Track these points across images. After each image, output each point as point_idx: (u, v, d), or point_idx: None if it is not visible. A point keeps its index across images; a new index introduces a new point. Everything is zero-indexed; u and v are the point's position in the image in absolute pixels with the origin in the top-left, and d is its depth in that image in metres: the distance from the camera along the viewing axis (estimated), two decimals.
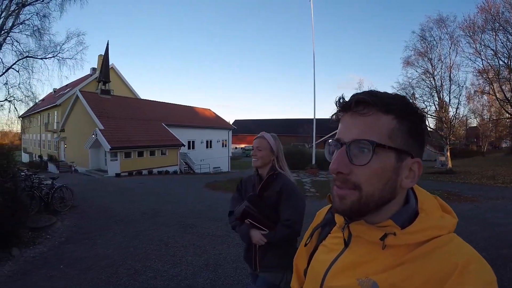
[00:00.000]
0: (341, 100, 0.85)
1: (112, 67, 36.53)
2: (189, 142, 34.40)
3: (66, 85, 38.43)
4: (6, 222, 6.07)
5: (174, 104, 39.53)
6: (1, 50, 18.85)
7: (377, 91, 0.83)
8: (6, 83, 19.92)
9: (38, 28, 19.45)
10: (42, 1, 19.05)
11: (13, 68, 19.69)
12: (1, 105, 20.64)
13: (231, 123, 51.91)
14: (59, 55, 21.08)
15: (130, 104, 31.99)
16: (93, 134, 23.90)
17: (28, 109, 31.54)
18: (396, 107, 0.79)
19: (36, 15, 19.19)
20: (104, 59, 31.17)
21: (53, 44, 20.47)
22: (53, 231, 7.55)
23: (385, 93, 0.83)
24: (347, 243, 0.91)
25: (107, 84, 30.73)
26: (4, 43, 18.65)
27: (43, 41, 20.03)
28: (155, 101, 37.46)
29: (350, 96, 0.84)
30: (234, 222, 2.38)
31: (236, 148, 47.70)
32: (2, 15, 18.46)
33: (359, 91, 0.84)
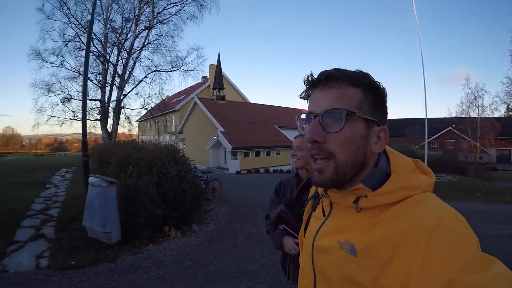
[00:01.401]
0: (310, 78, 0.91)
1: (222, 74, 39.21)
2: None
3: (179, 92, 41.95)
4: (191, 204, 7.82)
5: (283, 107, 40.88)
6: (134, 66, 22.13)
7: (345, 69, 0.89)
8: (137, 93, 22.75)
9: (162, 46, 22.38)
10: (162, 23, 22.04)
11: (144, 81, 22.62)
12: (139, 112, 23.57)
13: None
14: (182, 67, 23.28)
15: (243, 108, 34.20)
16: (215, 136, 26.30)
17: (144, 114, 35.05)
18: (361, 81, 0.86)
19: (160, 35, 22.28)
20: (217, 68, 33.80)
21: (176, 58, 22.87)
22: (214, 214, 9.10)
23: (351, 70, 0.89)
24: (329, 210, 0.99)
25: (221, 91, 33.17)
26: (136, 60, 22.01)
27: (169, 57, 22.77)
28: (265, 104, 39.23)
29: (318, 74, 0.90)
30: (269, 226, 2.30)
31: None
32: (130, 37, 21.76)
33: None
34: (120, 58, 21.61)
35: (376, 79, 0.89)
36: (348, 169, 0.85)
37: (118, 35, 21.30)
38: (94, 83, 21.12)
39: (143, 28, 21.73)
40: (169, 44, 22.37)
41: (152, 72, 22.47)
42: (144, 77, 22.42)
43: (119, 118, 21.71)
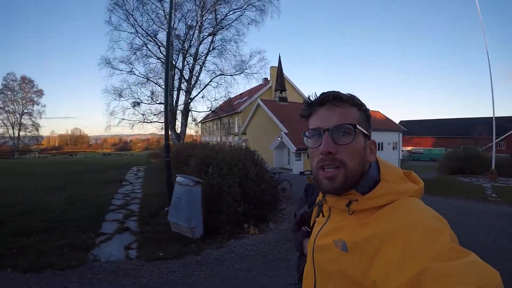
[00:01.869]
0: (316, 97, 1.03)
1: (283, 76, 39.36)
2: None
3: (241, 94, 42.65)
4: (269, 203, 8.11)
5: None
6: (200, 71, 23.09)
7: (335, 91, 1.02)
8: (203, 96, 23.68)
9: (226, 51, 23.08)
10: (224, 28, 22.80)
11: (209, 85, 23.41)
12: (207, 115, 24.48)
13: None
14: (246, 71, 23.67)
15: None
16: (279, 137, 26.56)
17: (207, 116, 35.78)
18: (357, 102, 1.01)
19: (224, 41, 23.03)
20: (278, 70, 34.06)
21: (240, 62, 23.44)
22: (287, 213, 9.12)
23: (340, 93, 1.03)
24: (328, 214, 1.10)
25: (283, 92, 33.38)
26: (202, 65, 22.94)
27: (233, 61, 23.47)
28: None
29: (322, 94, 1.02)
30: (294, 226, 2.24)
31: (402, 150, 46.27)
32: (194, 43, 22.64)
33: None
34: (186, 63, 22.67)
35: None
36: (355, 175, 0.96)
37: (182, 42, 22.23)
38: (163, 88, 22.19)
39: (206, 34, 22.66)
40: (233, 49, 23.07)
41: (217, 76, 23.27)
42: (210, 81, 23.28)
43: (187, 120, 22.63)
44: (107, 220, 7.47)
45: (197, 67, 22.86)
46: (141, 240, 6.26)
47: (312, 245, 1.09)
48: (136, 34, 21.68)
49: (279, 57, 36.05)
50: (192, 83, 22.67)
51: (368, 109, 1.04)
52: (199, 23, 22.21)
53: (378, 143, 38.03)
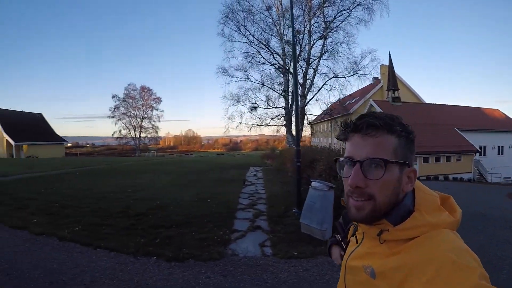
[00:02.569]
0: (350, 123, 0.98)
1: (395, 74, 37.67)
2: (479, 148, 31.94)
3: (351, 94, 41.71)
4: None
5: (464, 106, 37.19)
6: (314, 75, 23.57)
7: (379, 113, 0.96)
8: (317, 99, 24.00)
9: (338, 53, 23.16)
10: (332, 31, 22.81)
11: (323, 88, 23.54)
12: (322, 118, 24.75)
13: None
14: (358, 72, 23.71)
15: (419, 109, 32.31)
16: None
17: (316, 117, 35.65)
18: (396, 127, 0.92)
19: (335, 43, 23.13)
20: (389, 68, 32.66)
21: (352, 63, 23.45)
22: None
23: (384, 114, 0.96)
24: (362, 238, 1.07)
25: (396, 92, 31.97)
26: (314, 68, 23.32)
27: (346, 63, 23.55)
28: (443, 104, 36.04)
29: (357, 119, 0.96)
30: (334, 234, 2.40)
31: None
32: (305, 47, 23.05)
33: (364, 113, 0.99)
34: (300, 67, 23.19)
35: (405, 123, 0.96)
36: (384, 208, 0.92)
37: (291, 46, 22.62)
38: (278, 93, 22.80)
39: (316, 38, 23.09)
40: (345, 50, 23.19)
41: (330, 79, 23.47)
42: (324, 84, 23.55)
43: (303, 123, 23.20)
44: (238, 218, 7.85)
45: (310, 71, 23.35)
46: (274, 239, 6.46)
47: (344, 264, 1.11)
48: (249, 43, 23.03)
49: (389, 55, 34.49)
50: (307, 87, 23.11)
51: (411, 133, 0.96)
52: (307, 27, 22.73)
53: (498, 147, 34.51)
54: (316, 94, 23.79)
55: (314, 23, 23.06)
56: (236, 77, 23.88)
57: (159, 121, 71.20)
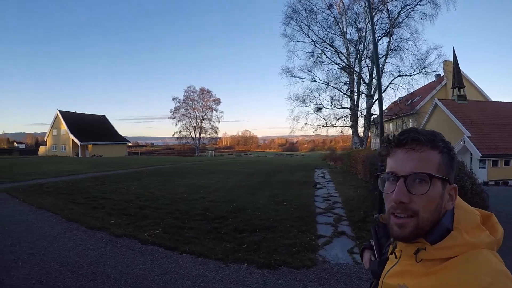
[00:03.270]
0: (392, 138, 0.98)
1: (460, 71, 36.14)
2: None
3: (412, 93, 40.50)
4: None
5: None
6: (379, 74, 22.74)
7: (420, 129, 0.96)
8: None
9: (403, 50, 22.87)
10: (395, 27, 22.33)
11: (389, 87, 23.16)
12: (390, 118, 24.42)
13: None
14: (425, 69, 23.92)
15: (486, 108, 30.59)
16: (461, 141, 24.44)
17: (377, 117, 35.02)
18: (439, 143, 0.93)
19: (401, 40, 22.67)
20: (454, 65, 31.27)
21: (418, 60, 23.57)
22: None
23: (426, 130, 0.96)
24: (400, 256, 1.03)
25: (461, 90, 30.79)
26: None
27: (412, 60, 23.45)
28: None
29: (400, 134, 0.96)
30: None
31: None
32: (368, 45, 22.62)
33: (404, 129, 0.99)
34: (366, 66, 22.99)
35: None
36: (427, 225, 0.91)
37: (354, 45, 22.49)
38: (343, 92, 22.77)
39: (380, 35, 22.53)
40: (412, 48, 22.86)
41: (395, 78, 23.11)
42: (390, 83, 23.14)
43: (369, 124, 22.88)
44: (319, 223, 7.70)
45: (383, 69, 22.84)
46: (361, 246, 6.60)
47: (381, 281, 1.10)
48: (312, 42, 22.99)
49: (453, 50, 32.62)
50: (373, 86, 22.73)
51: (452, 149, 0.96)
52: (369, 23, 22.15)
53: None
54: (382, 93, 23.20)
55: (377, 20, 22.60)
56: (301, 78, 23.98)
57: (219, 122, 74.03)
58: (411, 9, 22.08)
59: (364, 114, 22.60)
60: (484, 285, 0.75)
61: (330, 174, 18.53)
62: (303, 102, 23.97)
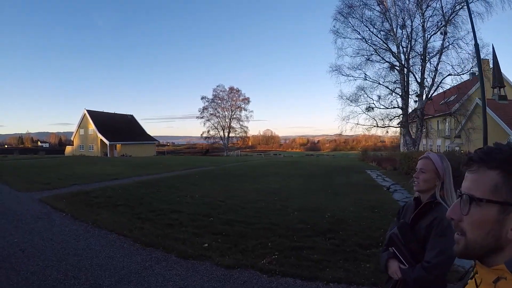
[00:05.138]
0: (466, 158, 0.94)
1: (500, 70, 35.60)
2: None
3: (444, 92, 40.00)
4: None
5: None
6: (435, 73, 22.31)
7: (495, 147, 0.88)
8: (430, 99, 23.09)
9: (455, 49, 22.15)
10: (444, 26, 21.51)
11: (440, 86, 22.81)
12: (443, 119, 23.98)
13: None
14: (472, 69, 23.12)
15: None
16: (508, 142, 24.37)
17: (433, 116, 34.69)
18: (502, 162, 0.83)
19: (454, 38, 21.89)
20: (494, 63, 30.78)
21: (466, 59, 22.83)
22: None
23: (501, 147, 0.87)
24: (480, 282, 0.93)
25: (502, 89, 30.47)
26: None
27: (459, 59, 22.67)
28: None
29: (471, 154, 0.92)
30: (384, 247, 2.26)
31: None
32: (415, 44, 22.07)
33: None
34: (417, 64, 22.37)
35: None
36: (477, 249, 0.86)
37: (406, 43, 22.06)
38: (395, 92, 22.40)
39: (430, 33, 21.98)
40: (466, 47, 22.09)
41: (445, 77, 22.74)
42: (440, 83, 22.69)
43: (422, 125, 22.23)
44: None
45: (428, 69, 22.52)
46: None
47: None
48: (362, 40, 22.59)
49: (493, 48, 31.96)
50: (427, 85, 22.38)
51: None
52: (421, 23, 21.86)
53: None
54: (433, 93, 22.75)
55: (428, 17, 21.92)
56: (352, 76, 23.50)
57: (248, 121, 74.47)
58: (461, 7, 21.28)
59: (418, 114, 22.39)
60: None
61: (389, 177, 18.09)
62: (355, 101, 23.59)
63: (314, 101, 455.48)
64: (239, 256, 5.17)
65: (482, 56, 23.61)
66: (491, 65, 30.67)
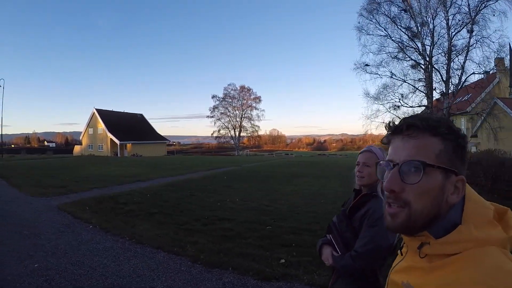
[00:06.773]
0: (391, 124, 0.92)
1: None
2: None
3: (453, 92, 39.48)
4: None
5: None
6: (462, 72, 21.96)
7: (425, 115, 0.88)
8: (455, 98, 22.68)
9: (484, 46, 21.52)
10: (468, 24, 20.90)
11: (465, 85, 22.22)
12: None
13: None
14: (494, 67, 22.65)
15: None
16: None
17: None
18: (442, 130, 0.84)
19: (481, 36, 21.20)
20: (511, 62, 30.35)
21: (487, 58, 22.00)
22: None
23: (432, 115, 0.89)
24: (406, 251, 0.96)
25: None
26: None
27: (486, 57, 22.03)
28: None
29: (400, 121, 0.90)
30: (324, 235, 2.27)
31: None
32: (438, 40, 21.63)
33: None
34: (446, 62, 21.99)
35: (456, 126, 0.88)
36: (421, 219, 0.83)
37: (430, 40, 21.59)
38: (420, 90, 22.09)
39: (454, 31, 21.37)
40: (493, 45, 21.61)
41: (468, 75, 22.26)
42: (464, 81, 22.20)
43: None
44: None
45: (454, 67, 22.13)
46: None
47: (388, 277, 1.04)
48: (388, 37, 22.21)
49: (510, 46, 31.38)
50: (453, 84, 22.13)
51: (461, 137, 0.87)
52: (446, 20, 21.29)
53: None
54: (457, 91, 22.31)
55: (451, 15, 21.19)
56: (377, 74, 23.01)
57: (259, 120, 73.83)
58: (484, 5, 20.48)
59: (444, 113, 21.74)
60: (489, 286, 0.69)
61: None
62: (379, 99, 23.15)
63: (319, 100, 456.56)
64: (328, 272, 4.55)
65: (500, 55, 23.19)
66: (506, 64, 30.25)
